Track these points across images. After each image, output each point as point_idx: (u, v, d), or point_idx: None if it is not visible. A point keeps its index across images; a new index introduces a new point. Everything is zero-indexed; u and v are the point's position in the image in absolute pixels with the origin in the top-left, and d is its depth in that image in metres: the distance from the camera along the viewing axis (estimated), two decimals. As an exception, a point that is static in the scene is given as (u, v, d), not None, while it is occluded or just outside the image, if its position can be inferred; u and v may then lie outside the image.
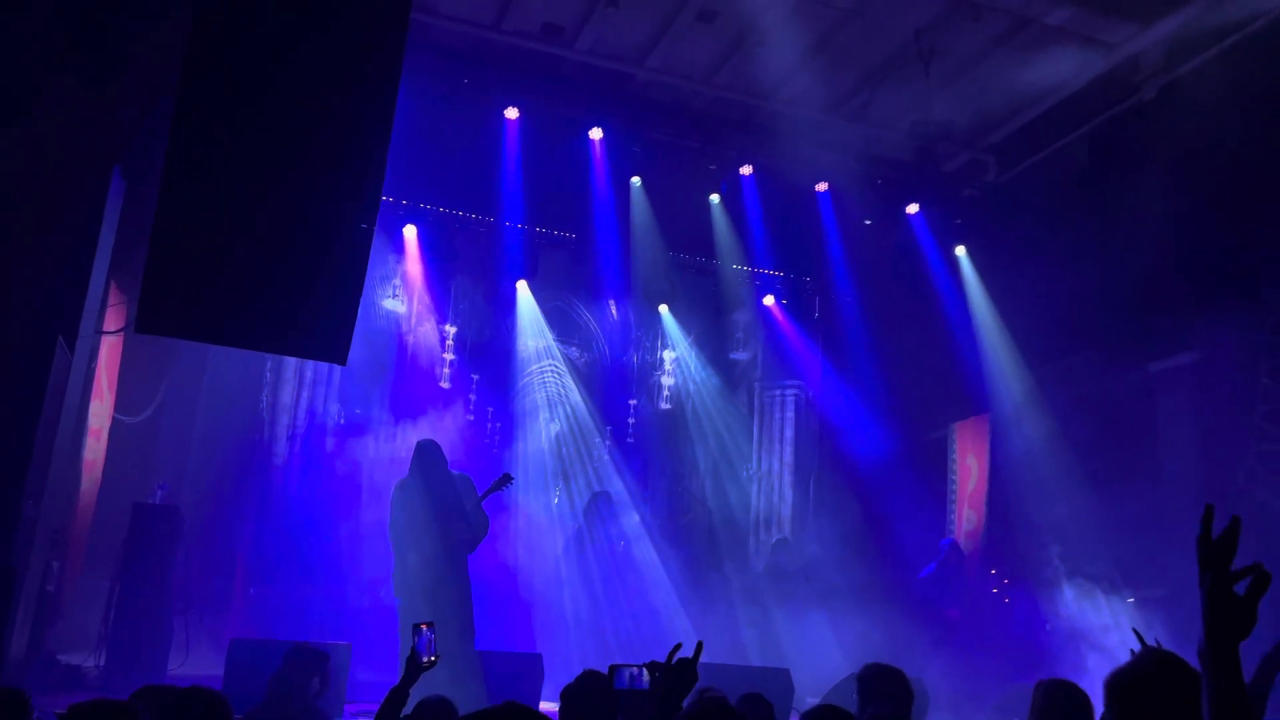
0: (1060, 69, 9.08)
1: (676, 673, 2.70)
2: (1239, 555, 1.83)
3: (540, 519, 9.96)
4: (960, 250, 10.52)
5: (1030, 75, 9.12)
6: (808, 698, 6.84)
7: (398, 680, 3.35)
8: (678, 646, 2.81)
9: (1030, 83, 9.23)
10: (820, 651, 8.30)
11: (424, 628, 3.26)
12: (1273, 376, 7.22)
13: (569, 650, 8.46)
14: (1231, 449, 7.50)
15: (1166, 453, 8.35)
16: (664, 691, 2.67)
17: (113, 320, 7.51)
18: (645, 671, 3.00)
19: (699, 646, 2.83)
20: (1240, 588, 1.71)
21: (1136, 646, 3.72)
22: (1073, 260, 8.91)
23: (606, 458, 10.75)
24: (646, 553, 9.86)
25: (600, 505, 9.88)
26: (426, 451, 7.18)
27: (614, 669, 3.09)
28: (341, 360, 5.35)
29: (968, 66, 9.26)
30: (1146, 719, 2.09)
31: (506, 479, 7.38)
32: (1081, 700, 3.53)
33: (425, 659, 3.22)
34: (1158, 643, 3.75)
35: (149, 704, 3.10)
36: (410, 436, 9.47)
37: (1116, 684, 2.17)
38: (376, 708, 3.30)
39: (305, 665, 5.03)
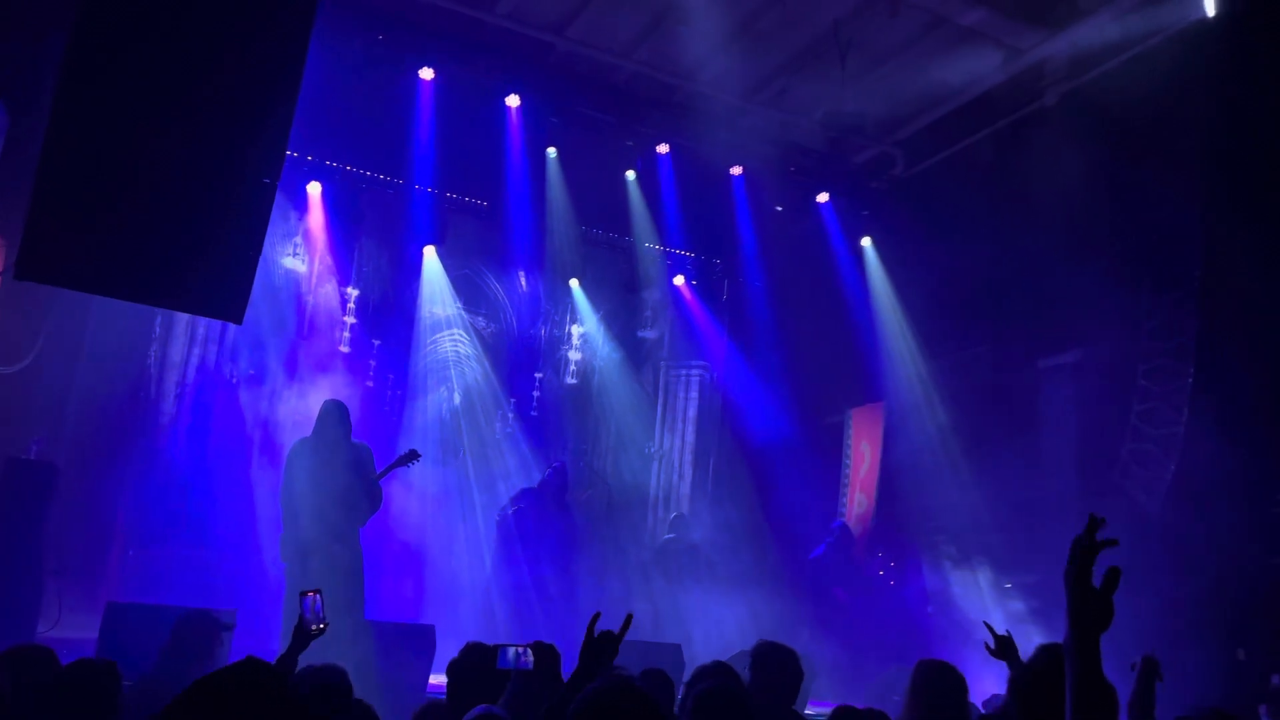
0: (970, 69, 9.34)
1: (598, 646, 2.70)
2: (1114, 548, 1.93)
3: (435, 490, 9.83)
4: (866, 241, 10.76)
5: (941, 73, 9.37)
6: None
7: (283, 648, 3.28)
8: (597, 616, 2.81)
9: (941, 81, 9.48)
10: (712, 627, 8.44)
11: (311, 594, 3.20)
12: (1149, 378, 7.60)
13: (464, 623, 8.41)
14: (1108, 445, 7.87)
15: (1048, 446, 8.73)
16: (585, 665, 2.66)
17: (-11, 264, 7.08)
18: (530, 651, 3.00)
19: (628, 620, 2.82)
20: (1097, 582, 1.83)
21: (990, 640, 3.90)
22: (971, 256, 9.20)
23: (509, 430, 10.68)
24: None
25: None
26: (332, 413, 7.04)
27: (497, 649, 3.09)
28: (237, 319, 5.17)
29: (882, 60, 9.44)
30: (1044, 710, 2.20)
31: (413, 455, 7.25)
32: (955, 680, 3.68)
33: (313, 626, 3.16)
34: (1008, 633, 3.93)
35: (8, 670, 2.95)
36: (307, 400, 9.23)
37: (1018, 681, 2.29)
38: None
39: (204, 634, 4.75)
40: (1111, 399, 7.98)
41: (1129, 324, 8.05)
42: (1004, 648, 3.85)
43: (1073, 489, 8.20)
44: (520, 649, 3.02)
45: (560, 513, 8.72)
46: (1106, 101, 8.25)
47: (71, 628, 7.09)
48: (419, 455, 7.30)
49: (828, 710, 5.45)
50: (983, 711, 4.30)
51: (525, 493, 8.95)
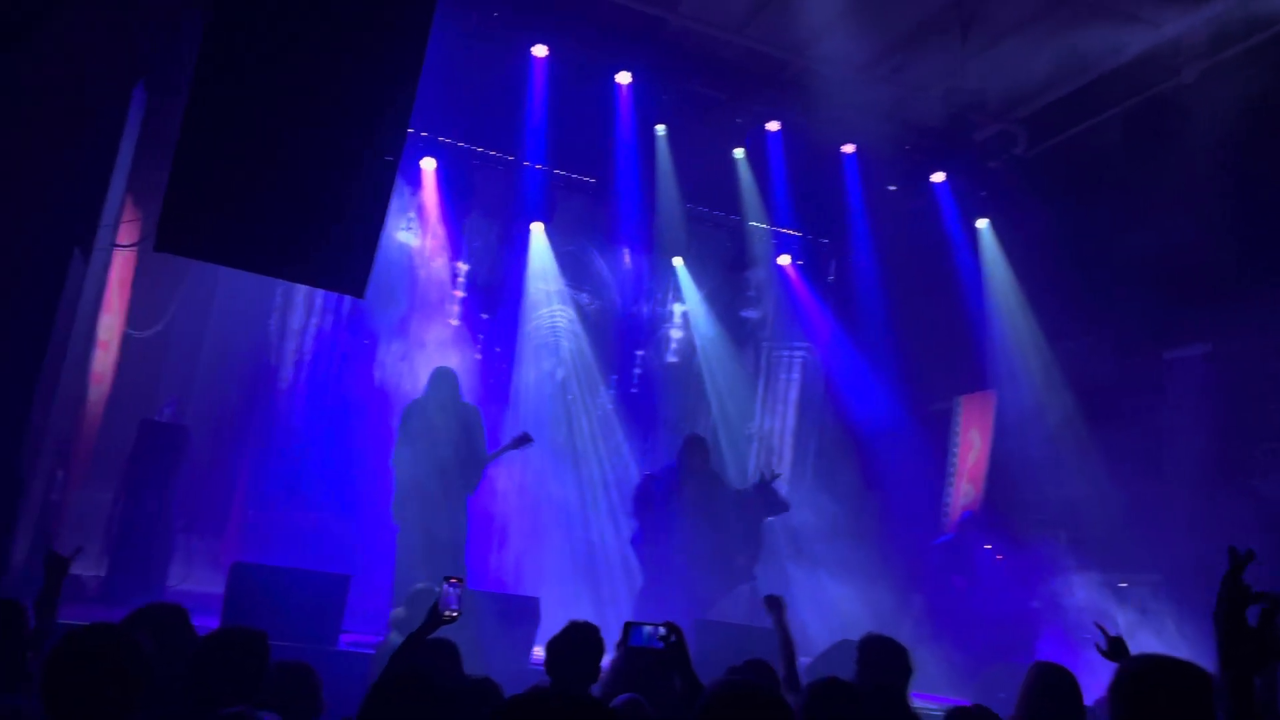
0: (1100, 45, 8.90)
1: None
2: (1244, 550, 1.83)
3: (538, 464, 9.99)
4: (982, 222, 10.41)
5: (1069, 49, 8.94)
6: (800, 657, 6.91)
7: (394, 605, 3.38)
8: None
9: (1068, 57, 9.05)
10: (811, 612, 8.37)
11: (451, 582, 3.28)
12: (1290, 375, 7.18)
13: (565, 597, 8.54)
14: (1240, 444, 7.48)
15: (1172, 442, 8.34)
16: None
17: (128, 234, 7.45)
18: (661, 631, 3.03)
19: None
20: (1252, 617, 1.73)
21: (1102, 641, 3.76)
22: (1095, 240, 8.82)
23: (609, 407, 10.76)
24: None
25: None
26: (444, 378, 7.21)
27: (630, 626, 3.11)
28: (359, 293, 5.32)
29: (1006, 34, 9.07)
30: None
31: (525, 439, 7.37)
32: (1069, 684, 3.57)
33: (447, 612, 3.24)
34: (1119, 636, 3.79)
35: (149, 629, 3.07)
36: (417, 371, 9.48)
37: (1124, 685, 2.19)
38: (373, 638, 3.32)
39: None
40: (1246, 395, 7.56)
41: (1267, 316, 7.60)
42: (1116, 649, 3.72)
43: (1198, 489, 7.82)
44: (655, 628, 3.05)
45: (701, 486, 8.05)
46: (1249, 80, 7.77)
47: (198, 582, 7.49)
48: (531, 439, 7.41)
49: (930, 703, 5.36)
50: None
51: (662, 468, 8.55)
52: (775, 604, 4.27)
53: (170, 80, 6.45)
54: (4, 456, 5.51)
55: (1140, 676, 2.16)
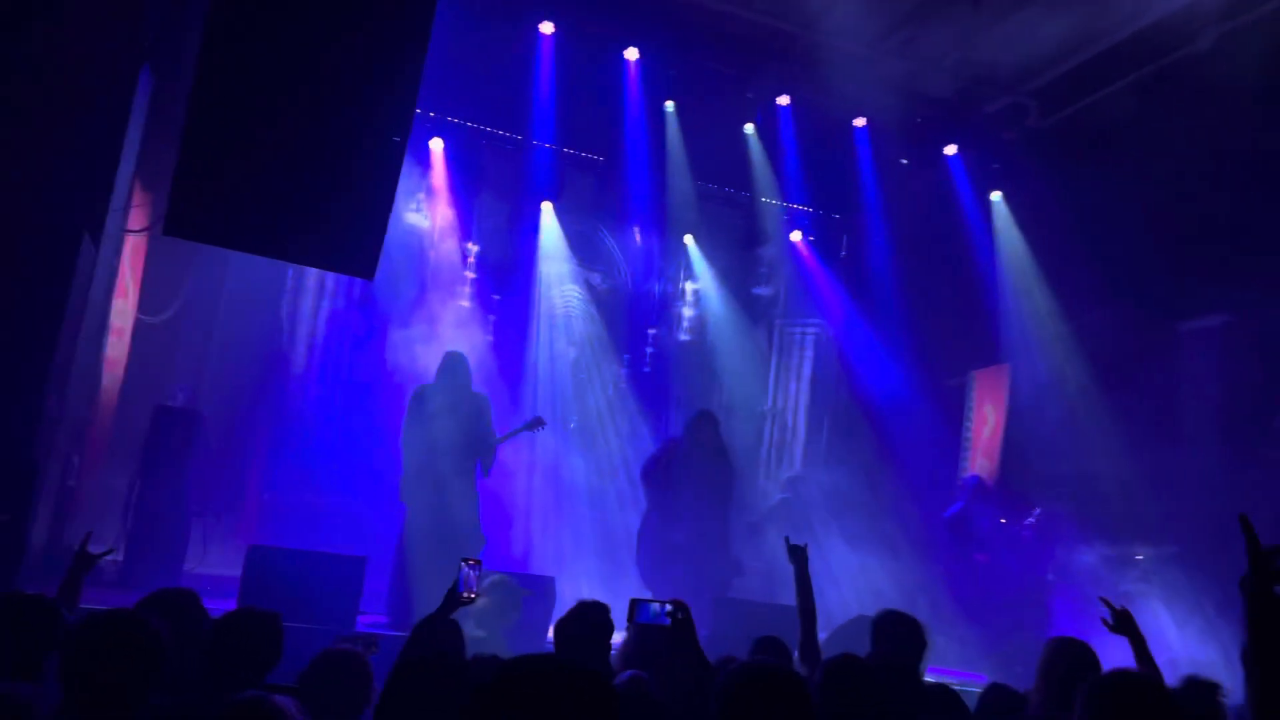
0: (1113, 14, 8.76)
1: None
2: (1259, 520, 1.81)
3: (551, 443, 9.99)
4: (995, 195, 10.32)
5: (1081, 18, 8.81)
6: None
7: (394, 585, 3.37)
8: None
9: (1079, 27, 8.92)
10: (829, 588, 8.35)
11: (470, 564, 3.28)
12: (1308, 344, 7.10)
13: (578, 576, 8.56)
14: (1256, 415, 7.42)
15: (1188, 414, 8.28)
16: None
17: (137, 219, 7.46)
18: (669, 609, 3.02)
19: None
20: None
21: (1108, 615, 3.74)
22: (1109, 212, 8.72)
23: (622, 386, 10.75)
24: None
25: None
26: (454, 363, 7.20)
27: (636, 603, 3.11)
28: (369, 275, 5.31)
29: (1017, 6, 8.92)
30: None
31: (538, 422, 7.38)
32: (1089, 659, 3.55)
33: (465, 594, 3.24)
34: (1124, 608, 3.76)
35: (164, 614, 3.07)
36: (429, 353, 9.47)
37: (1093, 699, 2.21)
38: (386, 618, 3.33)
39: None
40: (1262, 366, 7.49)
41: (1284, 287, 7.52)
42: (1122, 622, 3.70)
43: (1215, 460, 7.76)
44: (662, 605, 3.05)
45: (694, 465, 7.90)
46: (1264, 46, 7.63)
47: (214, 565, 7.53)
48: (544, 422, 7.41)
49: (946, 678, 5.36)
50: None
51: (670, 441, 8.41)
52: (798, 554, 4.20)
53: (176, 63, 6.43)
54: (20, 443, 5.54)
55: (1109, 691, 2.20)
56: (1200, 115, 8.23)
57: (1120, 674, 2.32)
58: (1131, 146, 8.86)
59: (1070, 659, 3.49)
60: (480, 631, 5.39)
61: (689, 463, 7.68)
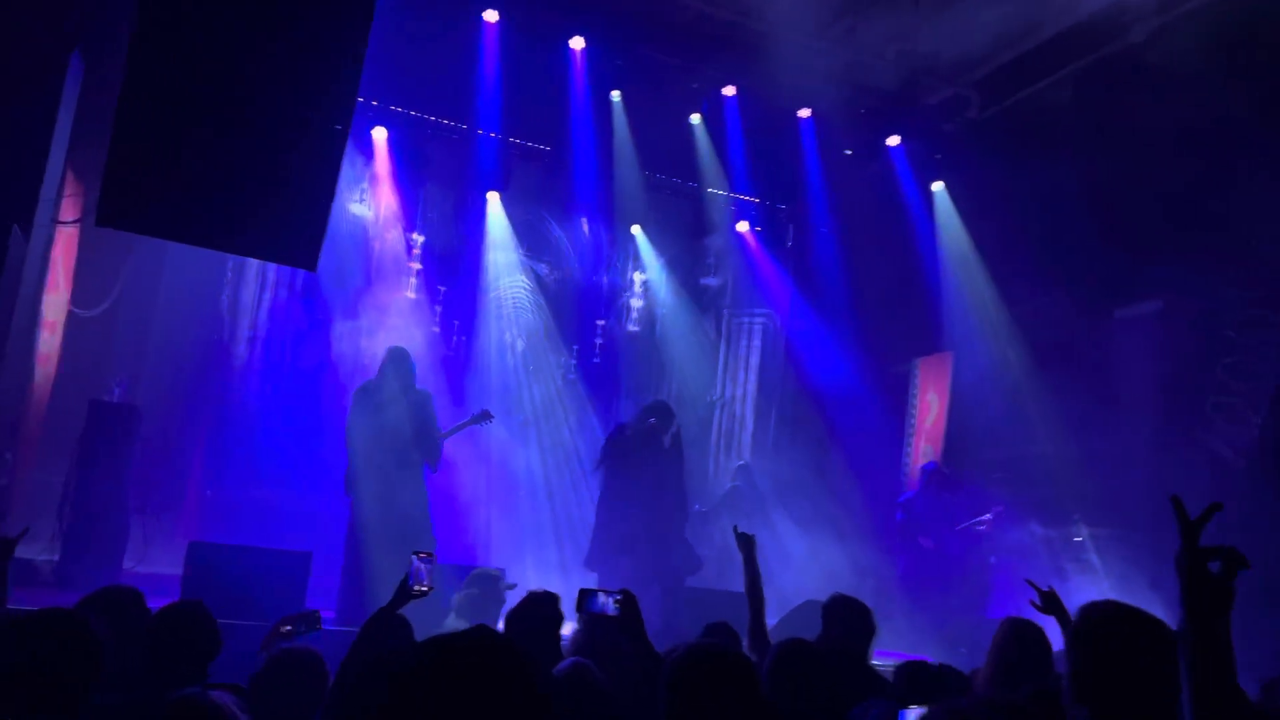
0: (1051, 6, 8.93)
1: None
2: (1192, 501, 1.86)
3: (501, 435, 9.94)
4: (937, 186, 10.47)
5: (1020, 10, 8.97)
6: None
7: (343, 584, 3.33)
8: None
9: (1019, 19, 9.08)
10: (779, 575, 8.44)
11: (422, 556, 3.24)
12: (1239, 331, 7.32)
13: (530, 567, 8.54)
14: (1190, 398, 7.64)
15: (1125, 399, 8.49)
16: None
17: (69, 210, 7.25)
18: (616, 599, 3.03)
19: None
20: (1214, 566, 1.75)
21: (1036, 597, 3.82)
22: (1048, 201, 8.90)
23: (571, 377, 10.73)
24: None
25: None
26: (397, 359, 7.12)
27: (584, 593, 3.11)
28: (311, 266, 5.22)
29: (958, -1, 9.07)
30: (1112, 664, 2.14)
31: (485, 415, 7.34)
32: (1037, 639, 3.61)
33: (416, 587, 3.21)
34: (1050, 588, 3.84)
35: (105, 614, 3.00)
36: (374, 344, 9.36)
37: (1084, 630, 2.21)
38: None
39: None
40: (1195, 351, 7.71)
41: (1214, 272, 7.73)
42: (1049, 603, 3.77)
43: (1151, 443, 7.98)
44: (608, 595, 3.04)
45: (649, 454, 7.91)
46: (1197, 39, 7.83)
47: (155, 563, 7.37)
48: (491, 416, 7.37)
49: (894, 661, 5.42)
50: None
51: (622, 425, 8.32)
52: (746, 541, 4.27)
53: (108, 48, 6.24)
54: (-53, 441, 5.36)
55: (1104, 621, 2.20)
56: (1135, 105, 8.44)
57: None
58: (1070, 136, 9.05)
59: (1019, 638, 3.54)
60: (461, 624, 5.35)
61: (644, 454, 7.68)
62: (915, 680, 3.32)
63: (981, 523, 8.14)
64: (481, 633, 1.47)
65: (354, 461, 7.00)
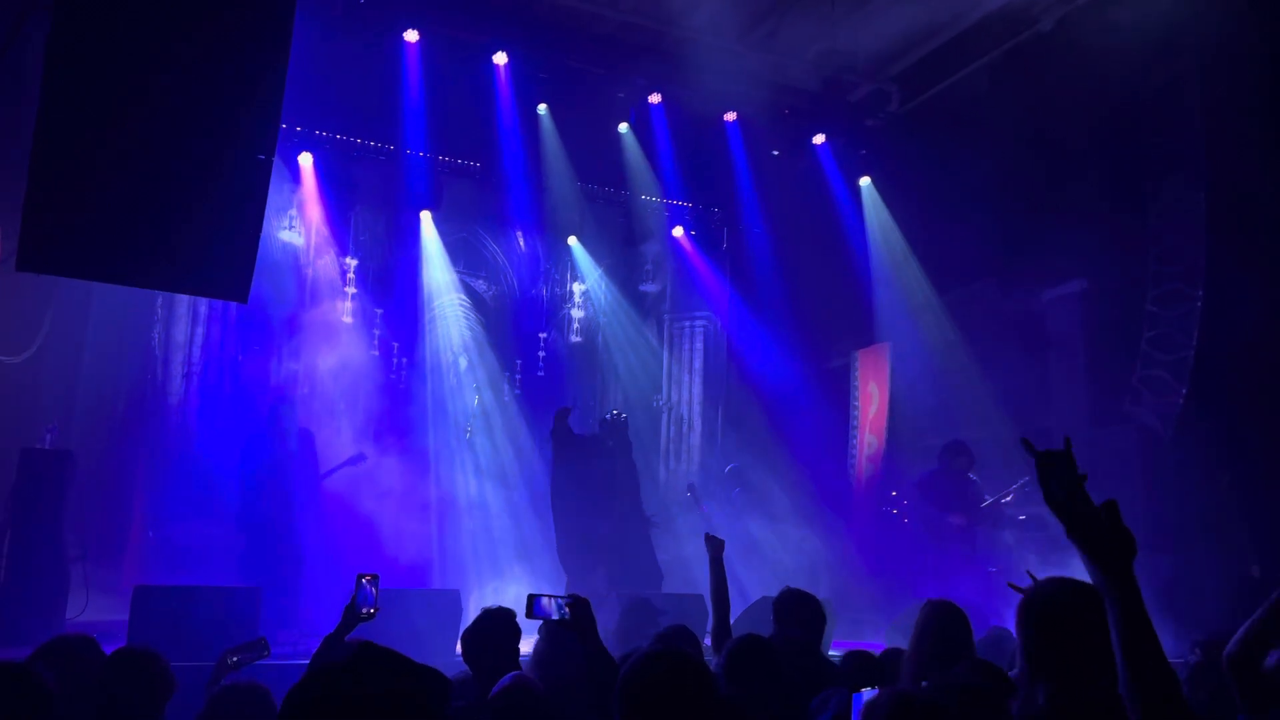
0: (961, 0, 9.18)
1: None
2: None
3: (448, 455, 9.88)
4: (865, 180, 10.66)
5: (933, 5, 9.20)
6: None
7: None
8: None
9: (933, 12, 9.31)
10: (738, 574, 8.50)
11: (366, 579, 3.23)
12: (1159, 304, 7.57)
13: (487, 586, 8.50)
14: (1117, 373, 7.87)
15: (1057, 377, 8.73)
16: None
17: (-13, 256, 7.04)
18: (565, 603, 3.04)
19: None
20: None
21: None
22: (972, 190, 9.12)
23: (516, 392, 10.70)
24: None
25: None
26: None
27: (532, 598, 3.11)
28: (242, 299, 5.15)
29: (872, -4, 9.27)
30: (1063, 639, 2.17)
31: (359, 458, 7.58)
32: (957, 618, 3.67)
33: (364, 610, 3.19)
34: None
35: (53, 664, 2.95)
36: (312, 373, 9.25)
37: (1032, 609, 2.25)
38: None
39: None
40: (1120, 326, 7.96)
41: (1136, 250, 8.00)
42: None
43: (1083, 418, 8.22)
44: (556, 599, 3.05)
45: (597, 460, 8.21)
46: (1103, 25, 8.11)
47: (100, 611, 7.17)
48: (365, 458, 7.49)
49: (849, 649, 5.51)
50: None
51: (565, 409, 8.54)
52: (714, 543, 4.34)
53: (17, 85, 6.10)
54: None
55: (1055, 598, 2.22)
56: (1047, 91, 8.71)
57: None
58: (987, 125, 9.29)
59: (941, 618, 3.60)
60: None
61: (603, 463, 7.82)
62: (863, 668, 3.39)
63: (1008, 494, 8.09)
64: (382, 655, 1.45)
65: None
